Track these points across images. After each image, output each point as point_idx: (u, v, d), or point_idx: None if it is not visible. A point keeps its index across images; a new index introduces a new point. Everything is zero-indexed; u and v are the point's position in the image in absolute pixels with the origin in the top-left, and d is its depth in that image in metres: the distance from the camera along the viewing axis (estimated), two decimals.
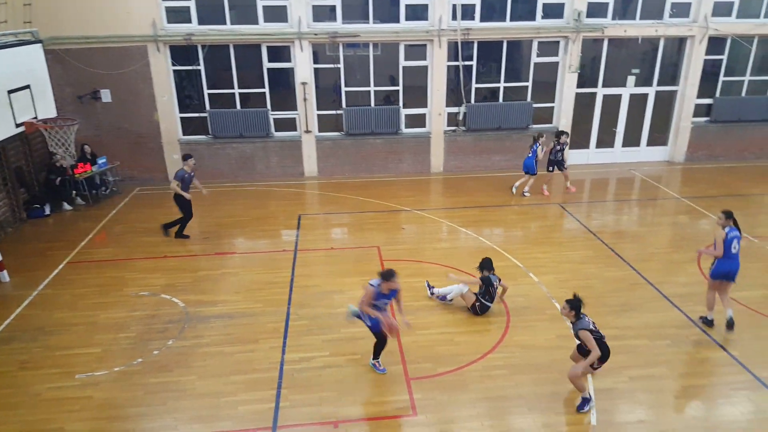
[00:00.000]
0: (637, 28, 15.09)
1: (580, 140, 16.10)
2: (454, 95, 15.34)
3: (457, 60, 14.96)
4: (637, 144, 16.45)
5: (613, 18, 15.03)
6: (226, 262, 10.45)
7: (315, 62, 14.67)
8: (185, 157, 11.21)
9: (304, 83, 14.57)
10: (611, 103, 15.91)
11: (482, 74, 15.29)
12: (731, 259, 7.89)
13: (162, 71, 14.01)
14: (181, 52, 14.20)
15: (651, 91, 15.94)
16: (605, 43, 15.26)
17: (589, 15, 14.80)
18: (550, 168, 13.83)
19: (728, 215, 8.05)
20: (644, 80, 15.87)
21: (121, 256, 10.71)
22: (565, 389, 6.85)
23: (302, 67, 14.43)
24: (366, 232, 11.70)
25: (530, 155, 13.56)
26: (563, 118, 15.59)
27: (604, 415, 6.47)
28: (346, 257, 10.67)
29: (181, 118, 14.80)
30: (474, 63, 15.06)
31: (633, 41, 15.34)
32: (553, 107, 15.77)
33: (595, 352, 6.22)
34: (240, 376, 7.18)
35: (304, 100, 14.70)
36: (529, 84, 15.41)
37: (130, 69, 13.84)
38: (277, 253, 10.81)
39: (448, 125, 15.54)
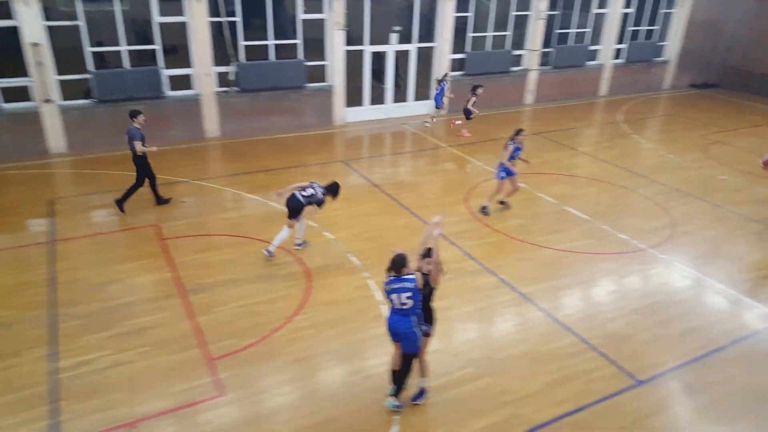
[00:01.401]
0: None
1: (356, 98, 16.59)
2: (221, 54, 14.42)
3: (218, 16, 14.00)
4: (405, 99, 17.53)
5: None
6: None
7: (47, 19, 12.38)
8: (135, 114, 9.95)
9: (35, 44, 12.24)
10: (378, 60, 16.61)
11: (249, 31, 14.60)
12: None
13: None
14: None
15: (413, 48, 17.00)
16: (367, 0, 15.69)
17: None
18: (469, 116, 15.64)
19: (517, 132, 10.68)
20: (406, 37, 16.84)
21: None
22: (367, 335, 7.09)
23: (30, 25, 12.08)
24: (138, 211, 10.46)
25: (438, 92, 16.17)
26: (336, 76, 15.80)
27: None
28: (117, 241, 9.44)
29: None
30: (239, 19, 14.28)
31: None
32: (325, 65, 15.85)
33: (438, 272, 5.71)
34: (1, 399, 5.91)
35: (39, 64, 12.39)
36: (299, 41, 15.21)
37: None
38: (27, 248, 9.09)
39: (220, 86, 14.63)
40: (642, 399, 6.30)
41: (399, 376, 5.91)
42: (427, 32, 17.14)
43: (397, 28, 16.58)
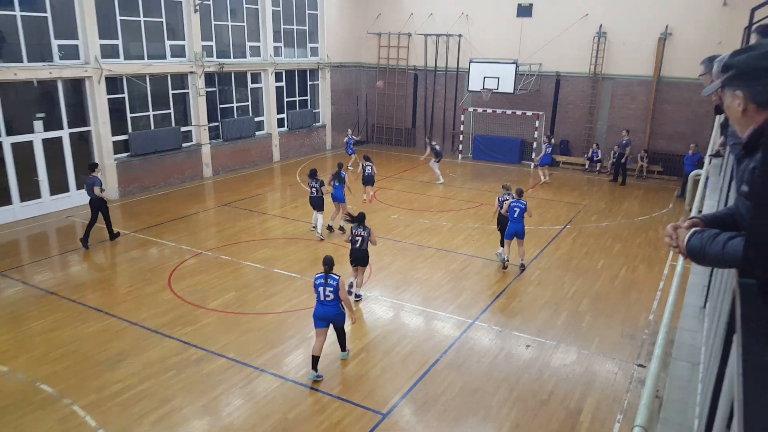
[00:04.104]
0: (28, 71, 13.91)
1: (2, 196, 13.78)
2: None
3: None
4: (67, 190, 15.38)
5: None
6: None
7: None
8: (93, 167, 12.41)
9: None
10: (25, 150, 14.23)
11: None
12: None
13: None
14: None
15: (64, 134, 15.12)
16: None
17: None
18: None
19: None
20: (55, 123, 14.90)
21: None
22: None
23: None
24: None
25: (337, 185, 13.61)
26: None
27: None
28: None
29: None
30: None
31: (29, 84, 14.09)
32: None
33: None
34: None
35: None
36: None
37: None
38: None
39: None
40: (392, 428, 6.63)
41: (340, 341, 7.97)
42: (80, 116, 15.54)
43: (40, 114, 14.56)
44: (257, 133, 21.24)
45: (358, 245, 9.66)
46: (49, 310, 9.50)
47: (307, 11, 23.01)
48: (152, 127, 17.46)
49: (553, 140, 19.72)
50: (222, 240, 13.18)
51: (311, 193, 13.13)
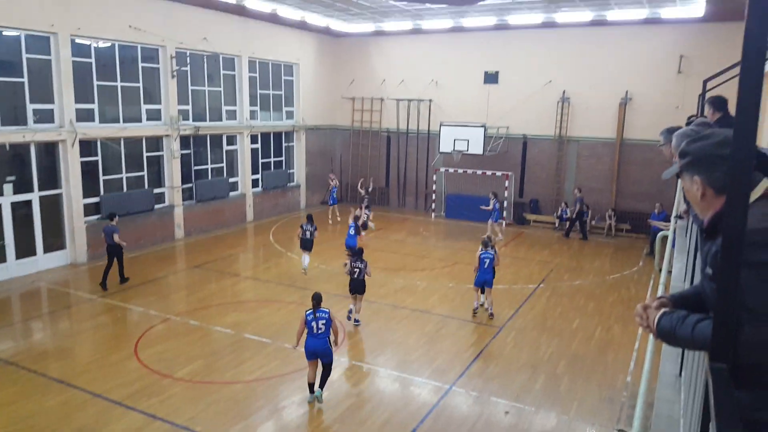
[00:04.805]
0: (1, 135, 13.80)
1: None
2: None
3: None
4: (34, 253, 14.97)
5: None
6: None
7: None
8: (113, 216, 13.75)
9: None
10: None
11: None
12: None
13: None
14: None
15: (34, 197, 14.86)
16: None
17: None
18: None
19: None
20: (25, 186, 14.67)
21: None
22: None
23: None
24: None
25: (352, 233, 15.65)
26: None
27: None
28: None
29: None
30: None
31: (1, 148, 13.95)
32: None
33: None
34: None
35: None
36: None
37: None
38: None
39: None
40: None
41: (323, 379, 8.46)
42: (52, 179, 15.35)
43: (10, 177, 14.35)
44: (231, 193, 21.22)
45: (356, 276, 11.36)
46: (7, 382, 9.01)
47: (283, 77, 23.59)
48: (125, 189, 17.31)
49: (498, 195, 19.92)
50: (191, 304, 12.88)
51: (304, 235, 14.54)
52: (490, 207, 19.35)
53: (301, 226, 14.85)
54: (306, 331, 8.29)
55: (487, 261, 11.84)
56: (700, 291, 1.90)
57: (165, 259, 16.32)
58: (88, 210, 16.17)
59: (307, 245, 14.72)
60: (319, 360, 8.37)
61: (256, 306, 12.82)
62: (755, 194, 1.67)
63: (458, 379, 9.48)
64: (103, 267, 13.81)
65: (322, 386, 8.47)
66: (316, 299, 8.42)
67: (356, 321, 11.59)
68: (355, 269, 11.36)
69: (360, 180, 22.77)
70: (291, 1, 18.13)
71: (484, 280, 11.97)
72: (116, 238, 13.66)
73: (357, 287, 11.42)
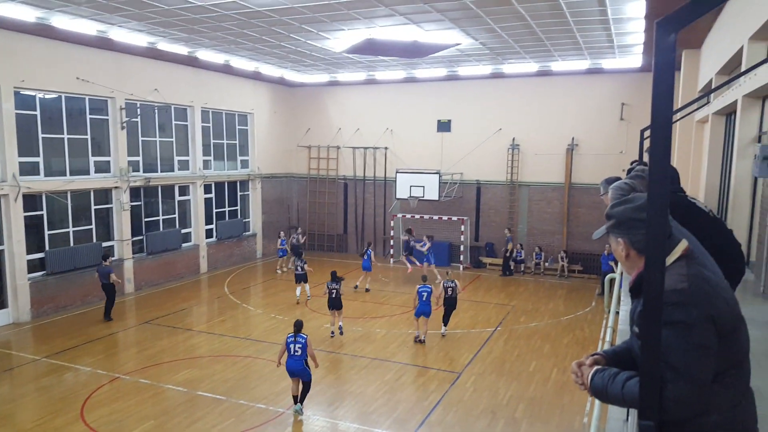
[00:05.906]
0: None
1: None
2: None
3: None
4: None
5: None
6: None
7: None
8: (106, 257, 15.20)
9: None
10: None
11: None
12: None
13: None
14: None
15: None
16: None
17: None
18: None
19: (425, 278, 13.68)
20: None
21: None
22: None
23: None
24: None
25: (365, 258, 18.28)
26: None
27: None
28: None
29: None
30: None
31: None
32: None
33: None
34: None
35: None
36: None
37: None
38: None
39: None
40: None
41: (302, 396, 9.65)
42: None
43: None
44: (184, 245, 20.76)
45: (333, 296, 13.61)
46: None
47: (237, 126, 23.63)
48: (71, 243, 16.71)
49: (432, 238, 19.99)
50: (142, 362, 12.36)
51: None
52: (426, 248, 19.47)
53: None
54: (286, 352, 9.49)
55: (425, 294, 13.26)
56: (630, 347, 1.99)
57: (114, 315, 15.67)
58: (32, 266, 15.50)
59: (335, 304, 13.75)
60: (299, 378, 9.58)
61: (210, 361, 12.42)
62: (674, 255, 1.80)
63: (418, 428, 9.35)
64: (48, 324, 13.14)
65: (302, 401, 9.67)
66: (297, 326, 9.65)
67: (340, 331, 13.81)
68: (332, 290, 13.55)
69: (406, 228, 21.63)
70: (244, 53, 18.35)
71: (423, 311, 13.31)
72: (113, 277, 14.98)
73: (335, 304, 13.64)
